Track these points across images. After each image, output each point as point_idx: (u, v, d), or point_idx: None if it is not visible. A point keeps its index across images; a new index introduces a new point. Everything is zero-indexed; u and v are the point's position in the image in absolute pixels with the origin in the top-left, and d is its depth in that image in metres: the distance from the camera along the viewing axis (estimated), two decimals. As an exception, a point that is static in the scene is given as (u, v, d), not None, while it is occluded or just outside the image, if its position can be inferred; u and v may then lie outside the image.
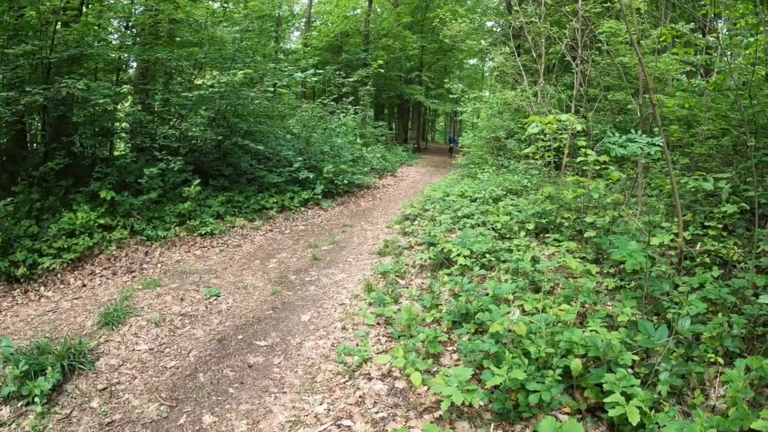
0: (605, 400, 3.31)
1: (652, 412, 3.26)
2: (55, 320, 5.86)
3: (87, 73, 10.05)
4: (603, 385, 3.45)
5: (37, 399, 3.99)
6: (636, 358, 3.80)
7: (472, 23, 18.22)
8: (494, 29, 20.33)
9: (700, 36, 8.80)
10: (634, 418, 3.11)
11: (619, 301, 4.88)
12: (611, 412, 3.20)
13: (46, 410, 4.00)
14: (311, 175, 12.47)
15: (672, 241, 5.36)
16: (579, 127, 5.95)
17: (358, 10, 29.12)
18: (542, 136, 7.54)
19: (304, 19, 28.76)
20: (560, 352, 3.94)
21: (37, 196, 8.03)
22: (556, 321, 4.40)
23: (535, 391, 3.59)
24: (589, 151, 5.43)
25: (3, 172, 8.31)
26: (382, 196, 15.02)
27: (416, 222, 9.95)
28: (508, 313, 4.50)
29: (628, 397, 3.32)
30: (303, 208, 11.94)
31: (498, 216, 8.29)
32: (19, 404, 4.05)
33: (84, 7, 9.69)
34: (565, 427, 2.99)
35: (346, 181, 13.71)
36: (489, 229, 7.92)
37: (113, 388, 4.37)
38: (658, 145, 4.17)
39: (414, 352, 4.46)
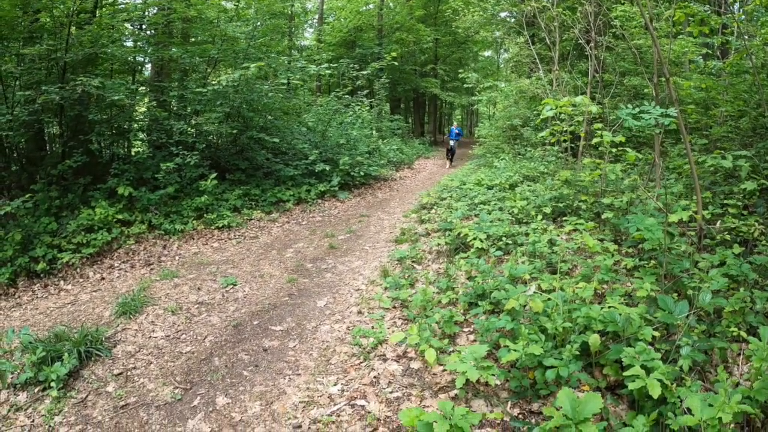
0: (625, 374, 3.20)
1: (674, 386, 3.16)
2: (74, 311, 5.92)
3: (103, 74, 10.14)
4: (622, 361, 3.35)
5: (53, 384, 4.03)
6: (656, 334, 3.70)
7: (484, 13, 18.06)
8: (507, 19, 20.14)
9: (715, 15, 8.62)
10: (655, 392, 2.99)
11: (639, 278, 4.77)
12: (631, 386, 3.10)
13: (62, 395, 4.04)
14: (327, 168, 12.45)
15: (691, 219, 5.24)
16: (594, 110, 5.85)
17: (371, 5, 29.02)
18: (557, 122, 7.43)
19: (316, 16, 28.79)
20: (578, 329, 3.86)
21: (56, 194, 8.16)
22: (574, 298, 4.33)
23: (552, 367, 3.52)
24: (605, 132, 5.32)
25: (22, 171, 8.44)
26: (399, 187, 14.95)
27: (433, 210, 9.87)
28: (523, 292, 4.46)
29: (648, 371, 3.22)
30: (320, 201, 11.94)
31: (515, 201, 8.19)
32: (35, 390, 4.10)
33: (97, 10, 9.80)
34: (583, 398, 2.92)
35: (362, 173, 13.66)
36: (506, 214, 7.83)
37: (129, 373, 4.40)
38: (672, 116, 4.06)
39: (429, 331, 4.42)
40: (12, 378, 4.20)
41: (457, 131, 21.50)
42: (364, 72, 15.40)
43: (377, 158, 16.02)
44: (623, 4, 10.17)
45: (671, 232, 5.14)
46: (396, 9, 29.39)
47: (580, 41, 10.66)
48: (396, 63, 17.16)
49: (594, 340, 3.59)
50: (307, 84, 15.48)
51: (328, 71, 13.37)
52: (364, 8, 28.44)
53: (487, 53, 37.89)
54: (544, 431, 2.91)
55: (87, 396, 4.08)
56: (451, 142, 20.97)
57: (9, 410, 3.91)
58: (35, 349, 4.28)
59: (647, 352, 3.33)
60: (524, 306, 4.36)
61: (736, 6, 10.47)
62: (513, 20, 18.90)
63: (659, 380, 3.08)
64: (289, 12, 22.33)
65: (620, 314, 3.74)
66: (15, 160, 8.66)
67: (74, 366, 4.28)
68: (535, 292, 4.64)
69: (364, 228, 9.58)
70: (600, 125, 6.46)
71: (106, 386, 4.21)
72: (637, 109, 4.22)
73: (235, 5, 12.78)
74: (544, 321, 3.95)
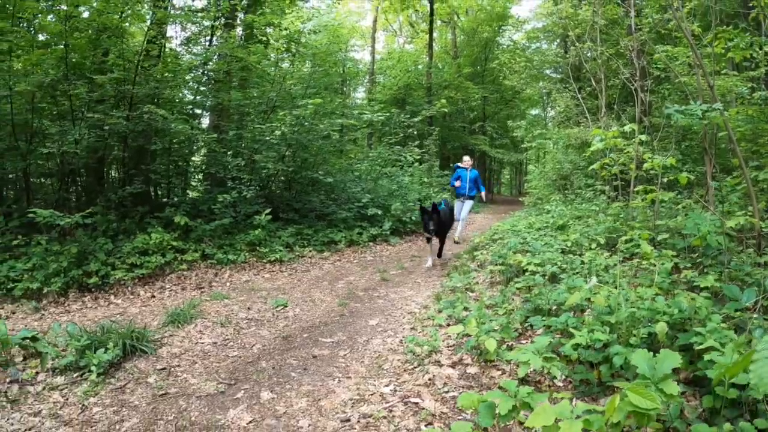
0: (697, 348, 2.91)
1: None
2: (121, 321, 5.86)
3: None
4: (693, 342, 3.03)
5: (93, 368, 3.93)
6: (724, 326, 3.35)
7: (530, 64, 18.21)
8: (553, 75, 20.32)
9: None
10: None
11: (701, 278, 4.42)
12: (706, 357, 2.76)
13: (100, 380, 3.92)
14: (379, 212, 12.40)
15: (750, 228, 4.92)
16: (643, 138, 5.66)
17: (420, 65, 29.74)
18: (608, 160, 7.25)
19: (367, 76, 29.62)
20: (643, 322, 3.57)
21: (114, 218, 8.32)
22: (636, 298, 4.02)
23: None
24: (655, 157, 5.13)
25: (83, 195, 8.68)
26: (449, 236, 14.72)
27: (485, 250, 9.62)
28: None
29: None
30: (371, 243, 11.82)
31: (567, 236, 7.93)
32: (74, 375, 4.01)
33: (160, 59, 10.34)
34: (660, 355, 2.58)
35: (413, 220, 13.56)
36: (558, 247, 7.53)
37: (172, 369, 4.25)
38: (718, 108, 3.86)
39: (488, 326, 4.19)
40: (53, 362, 4.11)
41: (471, 176, 11.51)
42: (416, 119, 15.55)
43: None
44: (665, 44, 10.04)
45: (730, 234, 4.85)
46: (444, 69, 30.01)
47: (626, 85, 10.53)
48: (446, 110, 17.31)
49: (661, 327, 3.26)
50: (360, 131, 15.68)
51: (381, 117, 13.56)
52: (413, 68, 29.14)
53: (535, 111, 37.88)
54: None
55: (126, 384, 3.95)
56: (457, 204, 11.72)
57: (44, 388, 3.81)
58: (80, 337, 4.21)
59: (718, 331, 3.04)
60: (587, 300, 4.08)
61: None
62: (559, 76, 19.04)
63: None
64: (341, 70, 23.01)
65: (686, 303, 3.49)
66: (77, 183, 8.95)
67: (117, 356, 4.17)
68: (597, 284, 4.34)
69: (416, 266, 9.38)
70: (650, 155, 6.24)
71: (147, 378, 4.07)
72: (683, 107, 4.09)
73: (290, 62, 13.31)
74: (607, 317, 3.66)
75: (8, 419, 3.41)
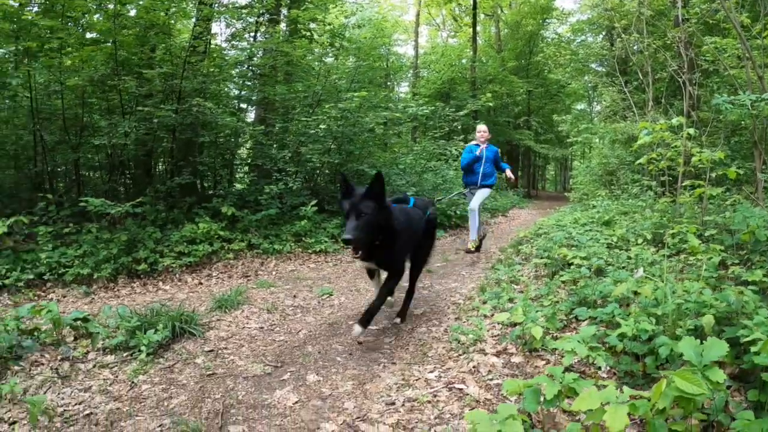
0: (743, 340, 2.77)
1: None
2: (170, 305, 5.97)
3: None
4: (739, 335, 2.89)
5: (143, 348, 4.01)
6: None
7: (576, 63, 17.86)
8: (598, 68, 19.89)
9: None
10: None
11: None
12: (753, 349, 2.64)
13: (149, 360, 4.00)
14: (424, 206, 12.36)
15: None
16: (691, 131, 5.47)
17: (464, 60, 29.52)
18: (656, 154, 7.04)
19: (411, 71, 29.56)
20: (689, 315, 3.44)
21: (162, 209, 8.55)
22: (683, 291, 3.89)
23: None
24: (704, 151, 4.95)
25: (131, 186, 8.92)
26: (493, 230, 14.58)
27: (530, 243, 9.48)
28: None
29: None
30: (416, 236, 11.79)
31: (613, 231, 7.74)
32: (124, 354, 4.10)
33: (206, 55, 10.55)
34: (707, 343, 2.48)
35: (458, 213, 13.47)
36: (603, 242, 7.36)
37: (219, 351, 4.30)
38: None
39: (534, 314, 4.13)
40: (103, 342, 4.21)
41: (490, 155, 8.78)
42: (461, 113, 15.44)
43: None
44: (713, 35, 9.69)
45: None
46: (488, 63, 29.71)
47: (673, 78, 10.21)
48: (491, 104, 17.13)
49: (707, 320, 3.12)
50: (405, 125, 15.69)
51: (426, 111, 13.51)
52: (457, 62, 28.94)
53: (580, 105, 37.15)
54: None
55: (175, 364, 4.02)
56: (464, 190, 9.21)
57: (94, 366, 3.91)
58: (130, 318, 4.32)
59: (766, 324, 2.87)
60: (634, 293, 3.99)
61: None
62: (604, 69, 18.62)
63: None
64: (385, 64, 23.02)
65: (734, 297, 3.34)
66: (125, 175, 9.21)
67: (166, 337, 4.24)
68: (644, 275, 4.22)
69: (460, 259, 9.29)
70: (698, 149, 6.02)
71: (195, 359, 4.13)
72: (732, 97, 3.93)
73: (334, 56, 13.40)
74: (653, 309, 3.55)
75: (59, 393, 3.50)
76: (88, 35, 9.24)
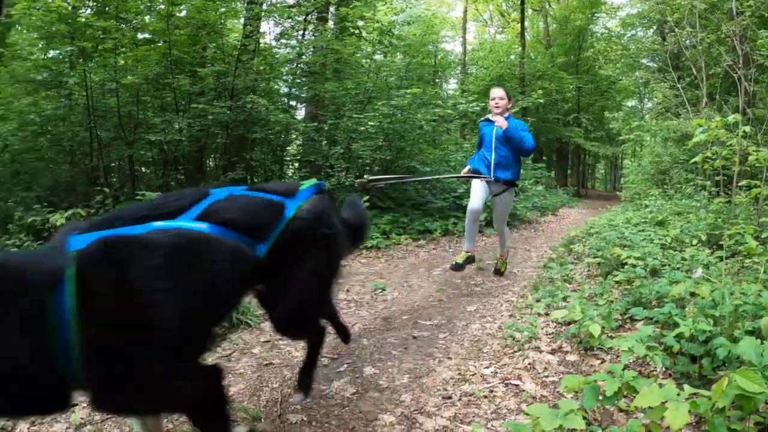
0: None
1: None
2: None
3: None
4: None
5: (206, 337, 4.13)
6: None
7: (626, 59, 17.41)
8: (650, 64, 19.33)
9: None
10: None
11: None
12: None
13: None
14: (475, 203, 12.33)
15: None
16: (747, 129, 5.30)
17: (512, 56, 29.18)
18: (711, 153, 6.83)
19: (459, 67, 29.39)
20: (747, 316, 3.37)
21: (214, 203, 8.75)
22: (740, 293, 3.78)
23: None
24: (761, 150, 4.78)
25: (184, 180, 9.17)
26: (543, 229, 14.42)
27: (581, 243, 9.32)
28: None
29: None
30: (466, 234, 11.75)
31: (667, 231, 7.55)
32: (184, 345, 4.22)
33: (256, 54, 10.78)
34: (767, 343, 2.42)
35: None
36: (657, 243, 7.18)
37: (275, 342, 4.40)
38: None
39: (592, 312, 4.07)
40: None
41: (508, 133, 6.20)
42: (512, 110, 15.27)
43: (522, 200, 15.65)
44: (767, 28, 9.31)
45: None
46: (537, 59, 29.29)
47: (728, 74, 9.85)
48: (541, 100, 16.88)
49: (766, 322, 3.03)
50: (454, 121, 15.64)
51: (477, 108, 13.43)
52: (505, 58, 28.64)
53: (631, 102, 36.16)
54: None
55: (232, 353, 4.13)
56: (474, 190, 6.61)
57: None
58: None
59: None
60: (691, 294, 3.95)
61: None
62: (656, 64, 18.10)
63: None
64: (434, 61, 22.96)
65: None
66: (178, 171, 9.50)
67: (223, 327, 4.38)
68: (702, 275, 4.13)
69: (511, 257, 9.14)
70: (754, 147, 5.81)
71: (251, 348, 4.24)
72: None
73: (383, 53, 13.46)
74: (710, 311, 3.48)
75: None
76: (141, 35, 9.57)
